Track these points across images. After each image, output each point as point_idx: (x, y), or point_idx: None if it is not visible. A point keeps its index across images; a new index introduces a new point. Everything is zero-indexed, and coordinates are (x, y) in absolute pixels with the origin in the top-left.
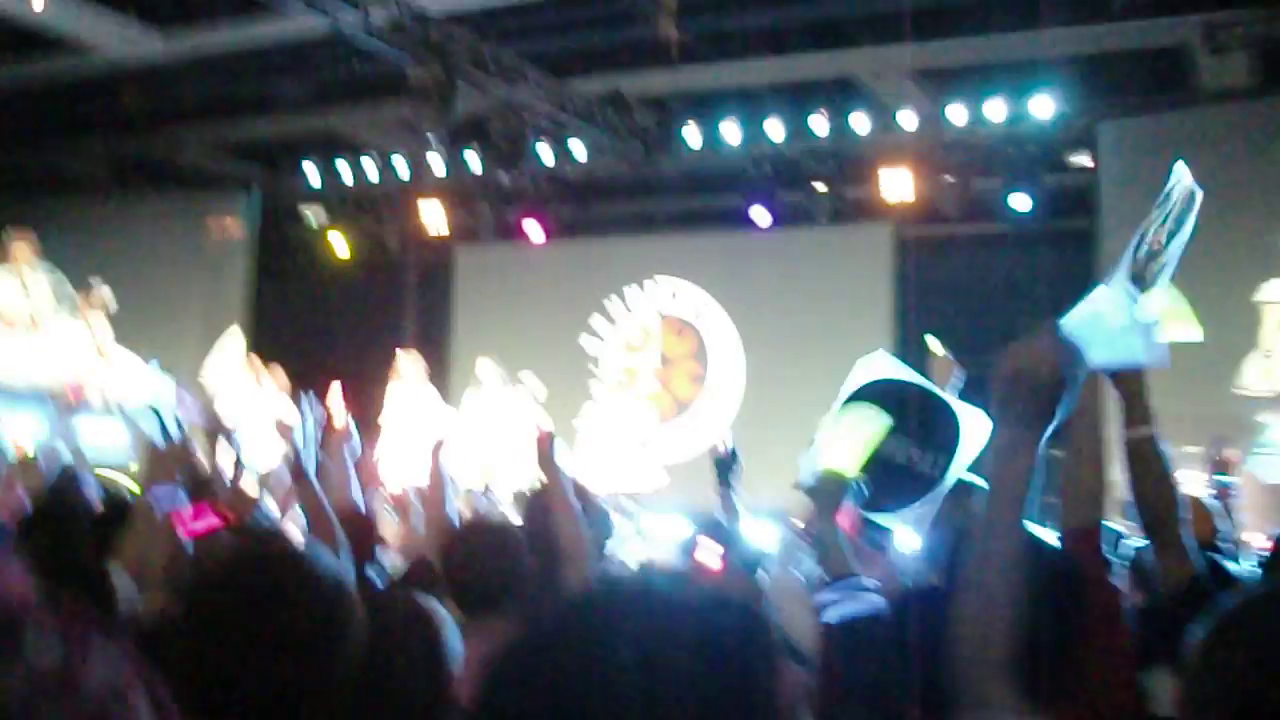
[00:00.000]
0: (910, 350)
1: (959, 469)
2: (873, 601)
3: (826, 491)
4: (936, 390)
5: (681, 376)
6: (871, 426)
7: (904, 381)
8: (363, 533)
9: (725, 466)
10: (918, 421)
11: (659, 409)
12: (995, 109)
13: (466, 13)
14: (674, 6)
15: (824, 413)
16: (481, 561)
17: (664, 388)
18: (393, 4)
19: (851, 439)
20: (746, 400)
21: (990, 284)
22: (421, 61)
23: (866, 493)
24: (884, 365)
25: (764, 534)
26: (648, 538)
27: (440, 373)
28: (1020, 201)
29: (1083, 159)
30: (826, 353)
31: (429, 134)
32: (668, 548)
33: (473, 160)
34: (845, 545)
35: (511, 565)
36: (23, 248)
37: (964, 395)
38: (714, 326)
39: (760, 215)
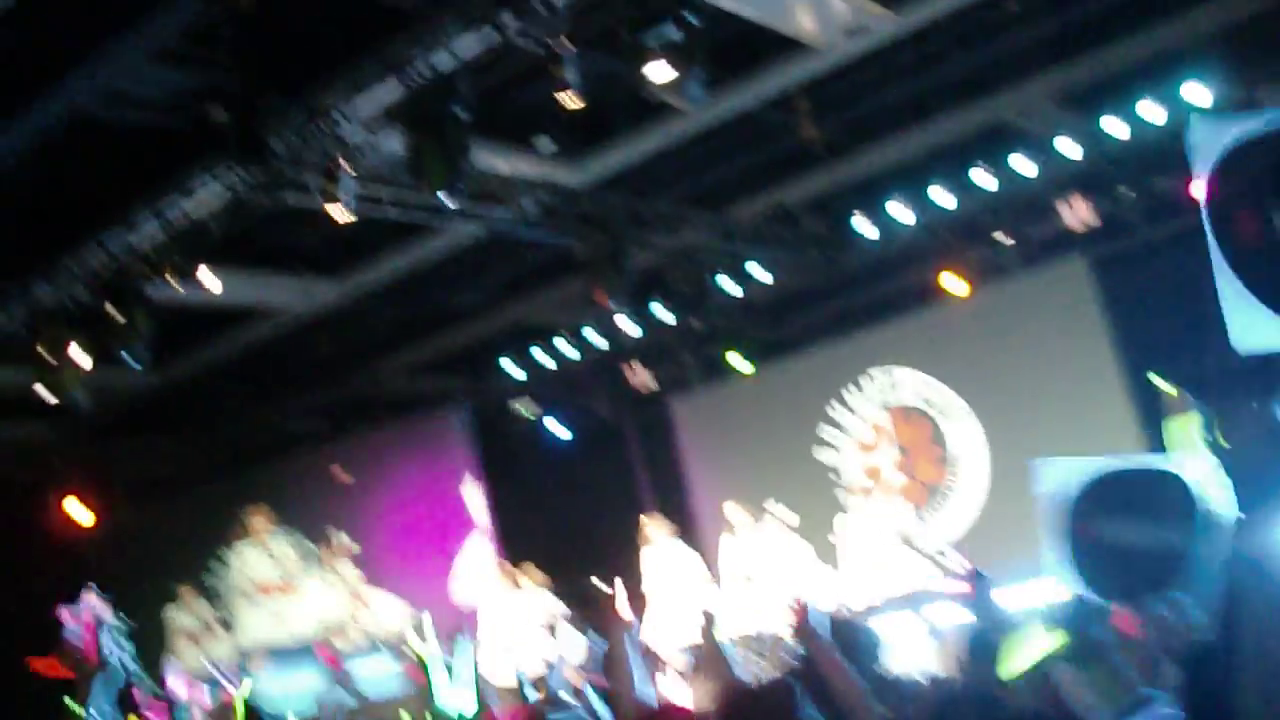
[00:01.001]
0: (1136, 373)
1: (1208, 522)
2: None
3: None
4: (1131, 463)
5: (924, 462)
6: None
7: (1098, 476)
8: None
9: (981, 587)
10: (1140, 502)
11: (911, 500)
12: (1151, 110)
13: (613, 175)
14: (809, 108)
15: (1072, 454)
16: None
17: (910, 478)
18: (540, 190)
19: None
20: (995, 466)
21: (1197, 277)
22: (584, 236)
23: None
24: (1062, 472)
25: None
26: (938, 635)
27: (687, 526)
28: (1202, 189)
29: None
30: (1057, 396)
31: (611, 300)
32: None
33: (661, 311)
34: (1125, 668)
35: None
36: (260, 520)
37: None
38: (941, 403)
39: (953, 283)
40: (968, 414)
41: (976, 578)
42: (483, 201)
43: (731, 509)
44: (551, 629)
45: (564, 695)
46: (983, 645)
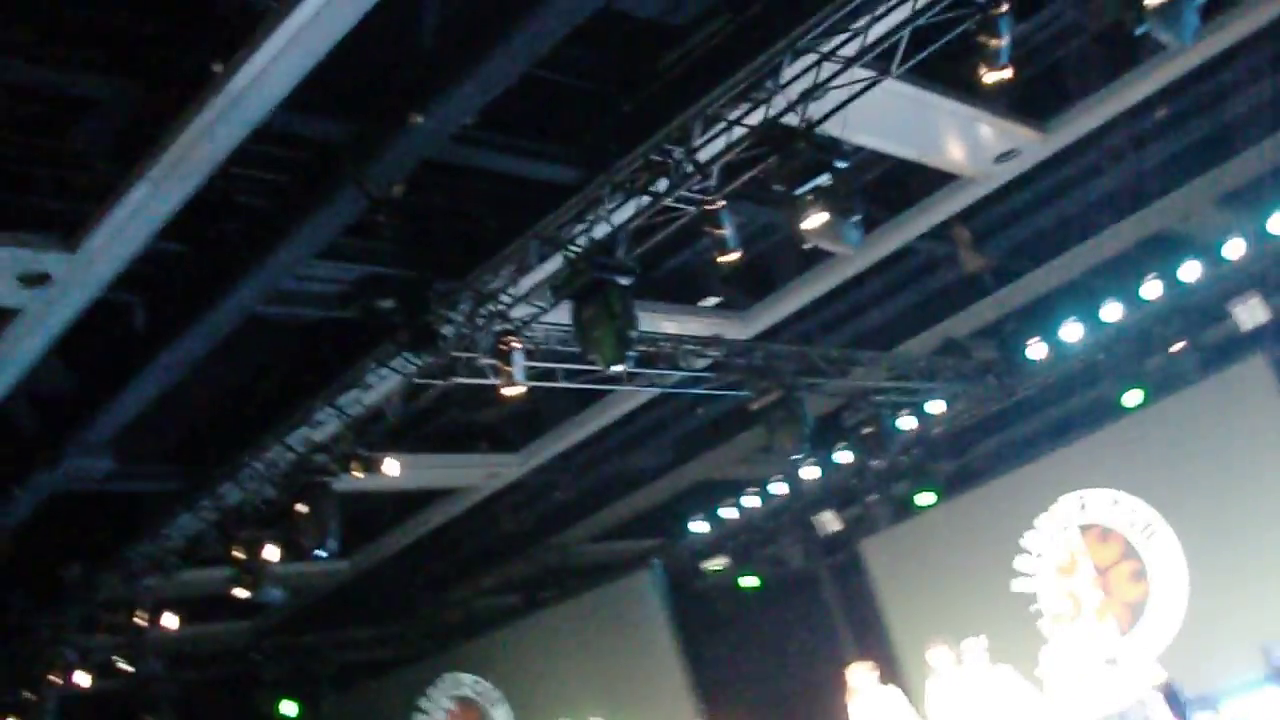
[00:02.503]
0: None
1: None
2: None
3: None
4: None
5: (1121, 579)
6: None
7: None
8: None
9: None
10: None
11: (1115, 619)
12: None
13: (780, 323)
14: (969, 238)
15: (1273, 561)
16: None
17: (1110, 596)
18: (710, 346)
19: None
20: (1193, 577)
21: None
22: (758, 389)
23: None
24: None
25: None
26: None
27: (891, 671)
28: None
29: None
30: (1249, 500)
31: (791, 449)
32: None
33: (843, 456)
34: None
35: None
36: None
37: None
38: (1132, 519)
39: (1131, 396)
40: (1161, 526)
41: (1169, 690)
42: (654, 363)
43: (936, 653)
44: None
45: None
46: None
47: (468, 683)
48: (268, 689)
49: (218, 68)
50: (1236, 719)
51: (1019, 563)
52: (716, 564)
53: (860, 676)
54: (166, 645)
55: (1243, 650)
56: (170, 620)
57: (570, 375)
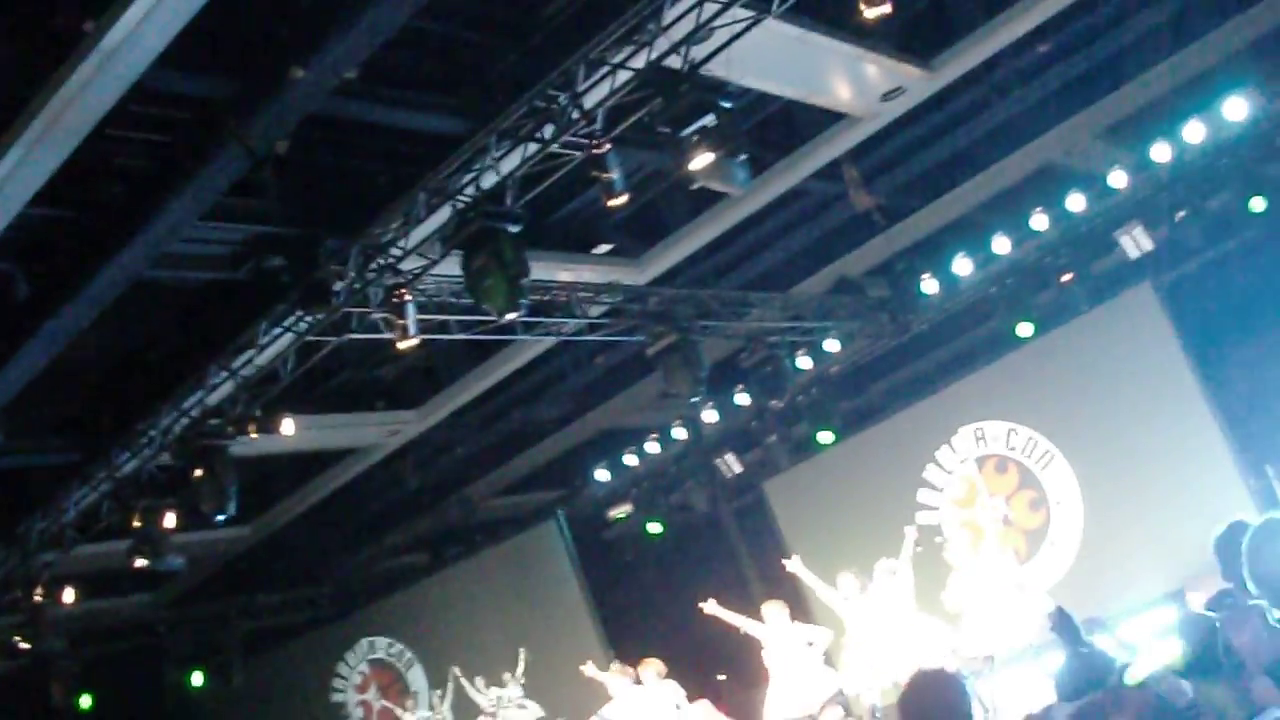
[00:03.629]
0: (1218, 387)
1: None
2: None
3: None
4: None
5: (1021, 508)
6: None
7: None
8: None
9: (1069, 629)
10: None
11: (1015, 548)
12: (1193, 130)
13: (674, 268)
14: (858, 177)
15: (1164, 483)
16: None
17: (1010, 525)
18: (604, 293)
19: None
20: (1088, 503)
21: (1264, 289)
22: (654, 334)
23: None
24: None
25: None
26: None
27: (799, 609)
28: (1258, 203)
29: None
30: (1143, 424)
31: (689, 393)
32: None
33: (742, 398)
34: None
35: None
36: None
37: None
38: (1029, 449)
39: (1023, 328)
40: (1057, 455)
41: (1059, 616)
42: (549, 312)
43: (845, 580)
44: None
45: None
46: (1069, 685)
47: (381, 646)
48: (175, 661)
49: (89, 26)
50: (1131, 638)
51: (921, 496)
52: (621, 512)
53: (773, 613)
54: (69, 621)
55: (1137, 573)
56: (69, 596)
57: (464, 327)
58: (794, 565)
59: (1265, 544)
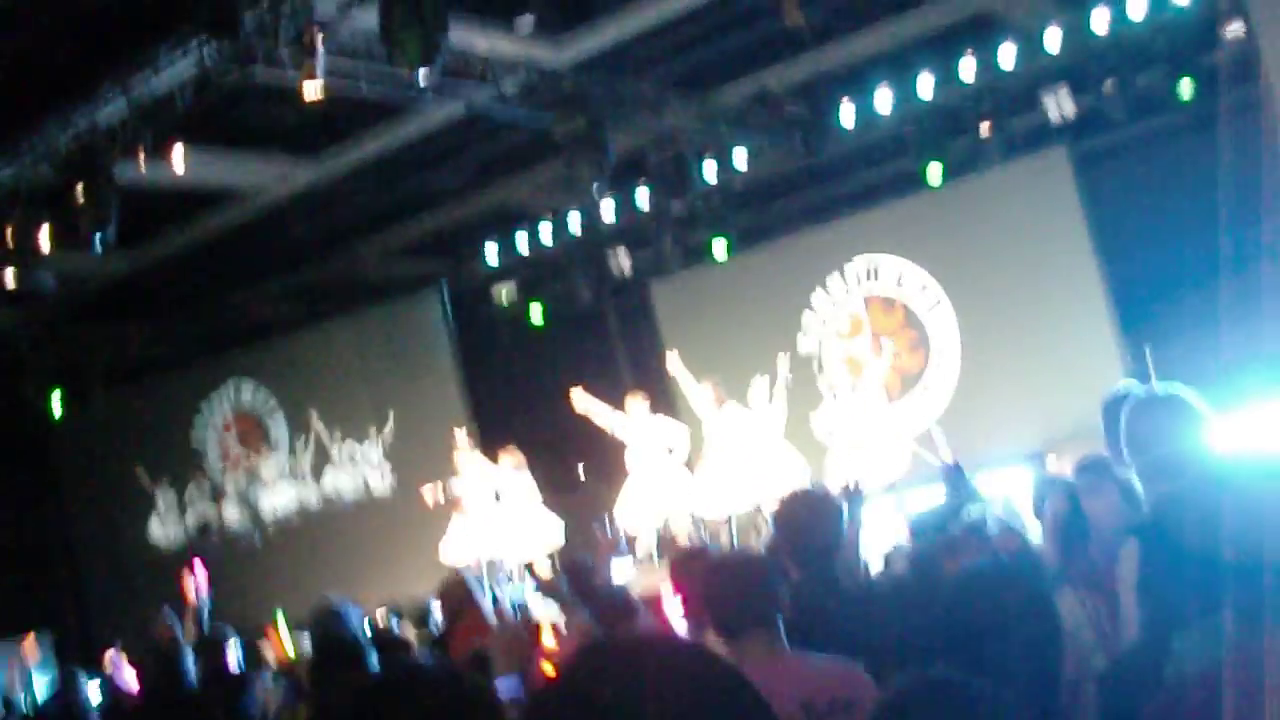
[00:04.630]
0: (1113, 264)
1: None
2: None
3: None
4: None
5: (901, 348)
6: None
7: None
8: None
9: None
10: None
11: (888, 387)
12: (1137, 4)
13: (595, 54)
14: None
15: (1045, 347)
16: (740, 591)
17: (887, 365)
18: (520, 70)
19: None
20: (966, 354)
21: (1178, 174)
22: (564, 117)
23: None
24: None
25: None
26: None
27: (665, 409)
28: (1186, 88)
29: (1238, 29)
30: (1033, 286)
31: (593, 183)
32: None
33: (643, 196)
34: None
35: (763, 592)
36: None
37: None
38: (918, 291)
39: (933, 171)
40: (944, 301)
41: (954, 471)
42: (461, 79)
43: (704, 389)
44: (527, 510)
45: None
46: (922, 528)
47: (247, 391)
48: (35, 380)
49: None
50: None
51: (805, 320)
52: (505, 291)
53: (634, 407)
54: None
55: (1002, 430)
56: None
57: (373, 82)
58: (672, 362)
59: (1145, 414)
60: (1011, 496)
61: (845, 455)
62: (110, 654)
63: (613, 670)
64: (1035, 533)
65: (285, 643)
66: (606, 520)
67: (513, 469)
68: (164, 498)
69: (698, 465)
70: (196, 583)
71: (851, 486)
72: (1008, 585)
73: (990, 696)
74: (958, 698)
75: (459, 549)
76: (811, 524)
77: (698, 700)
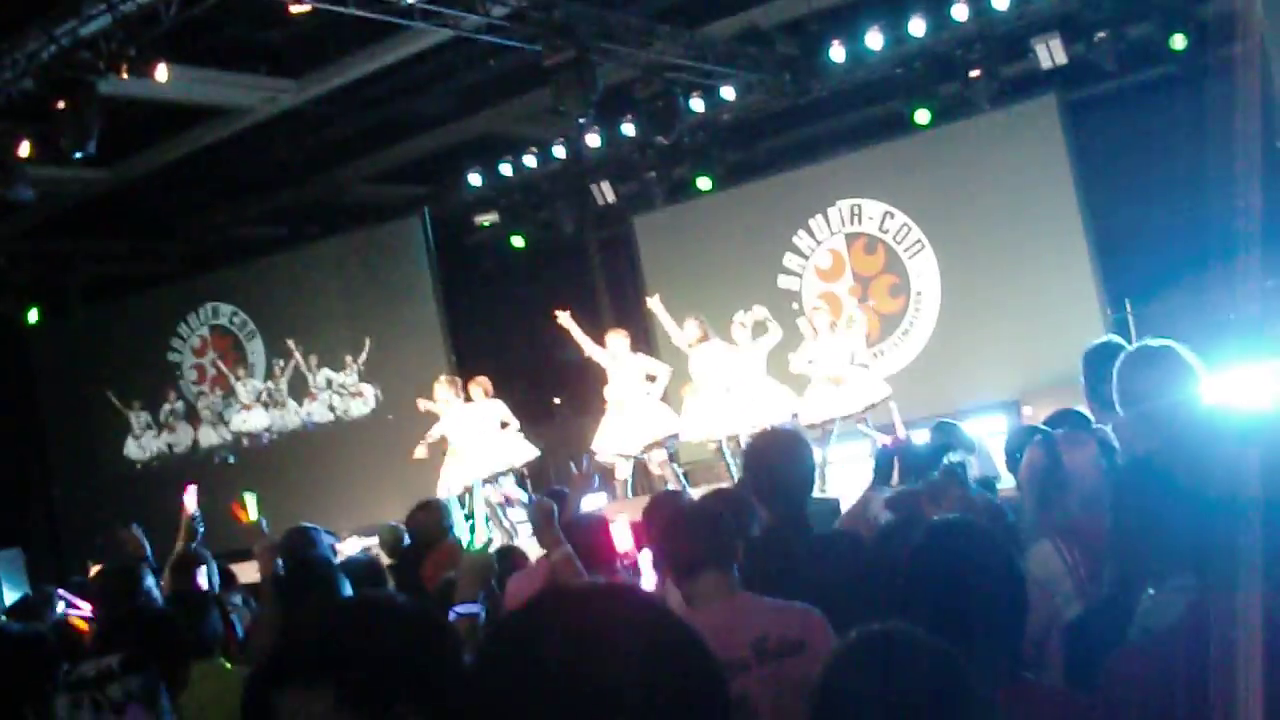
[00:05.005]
0: (1097, 214)
1: None
2: None
3: None
4: None
5: (881, 291)
6: None
7: None
8: None
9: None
10: None
11: (868, 328)
12: None
13: None
14: None
15: (1026, 296)
16: (692, 533)
17: (867, 306)
18: None
19: None
20: (946, 300)
21: (1166, 128)
22: (553, 46)
23: None
24: None
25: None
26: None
27: (644, 343)
28: (1179, 40)
29: None
30: (1017, 234)
31: (579, 115)
32: None
33: (629, 129)
34: None
35: (715, 534)
36: None
37: None
38: (901, 235)
39: (921, 115)
40: (926, 246)
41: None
42: (449, 4)
43: (690, 325)
44: (501, 439)
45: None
46: (885, 463)
47: (225, 313)
48: (13, 294)
49: None
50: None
51: (786, 260)
52: (487, 219)
53: (616, 343)
54: None
55: (978, 377)
56: None
57: (362, 3)
58: (653, 303)
59: (1140, 365)
60: (986, 444)
61: (825, 391)
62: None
63: (562, 620)
64: (1009, 480)
65: (250, 512)
66: (586, 458)
67: (484, 397)
68: (138, 419)
69: (681, 399)
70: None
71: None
72: (974, 541)
73: (943, 653)
74: (911, 652)
75: (450, 484)
76: (781, 464)
77: (645, 655)
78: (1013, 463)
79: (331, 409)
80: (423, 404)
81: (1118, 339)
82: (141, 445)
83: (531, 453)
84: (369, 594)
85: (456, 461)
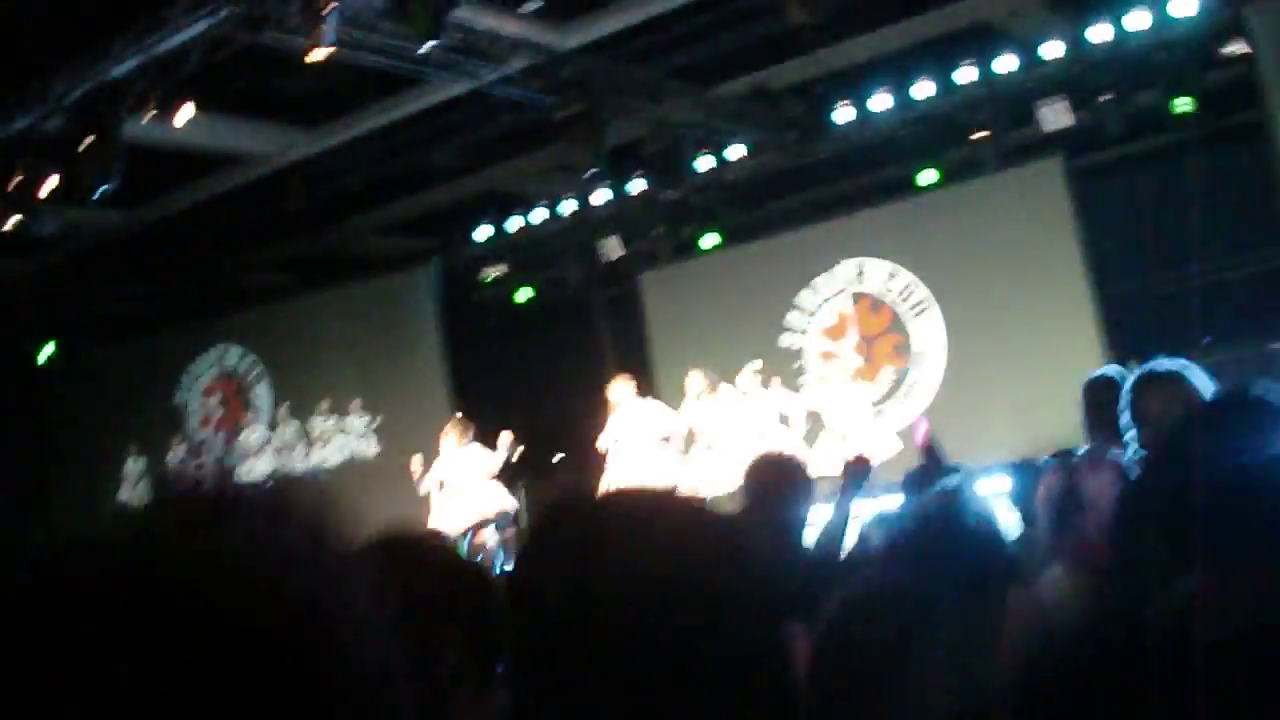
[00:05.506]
0: (1102, 279)
1: None
2: None
3: None
4: None
5: (884, 350)
6: None
7: None
8: None
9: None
10: None
11: (870, 387)
12: (1137, 19)
13: (600, 39)
14: None
15: (1030, 358)
16: None
17: (870, 364)
18: (526, 51)
19: None
20: (951, 362)
21: (1170, 194)
22: (566, 100)
23: None
24: None
25: None
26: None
27: (649, 395)
28: (1183, 105)
29: (1238, 48)
30: (1022, 296)
31: (590, 170)
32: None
33: (637, 185)
34: None
35: None
36: None
37: None
38: (905, 295)
39: (927, 176)
40: (931, 306)
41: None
42: (466, 57)
43: (691, 378)
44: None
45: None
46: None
47: (234, 356)
48: (28, 332)
49: None
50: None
51: (790, 319)
52: (494, 273)
53: (620, 390)
54: None
55: (981, 440)
56: None
57: (379, 52)
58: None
59: (1148, 388)
60: (990, 499)
61: (833, 445)
62: None
63: (615, 521)
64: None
65: None
66: None
67: (455, 444)
68: (136, 463)
69: (689, 453)
70: None
71: (854, 463)
72: (959, 511)
73: (935, 598)
74: (905, 600)
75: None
76: (778, 488)
77: (698, 557)
78: (1018, 503)
79: (337, 455)
80: (416, 462)
81: (1115, 369)
82: (136, 494)
83: (502, 506)
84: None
85: (447, 505)
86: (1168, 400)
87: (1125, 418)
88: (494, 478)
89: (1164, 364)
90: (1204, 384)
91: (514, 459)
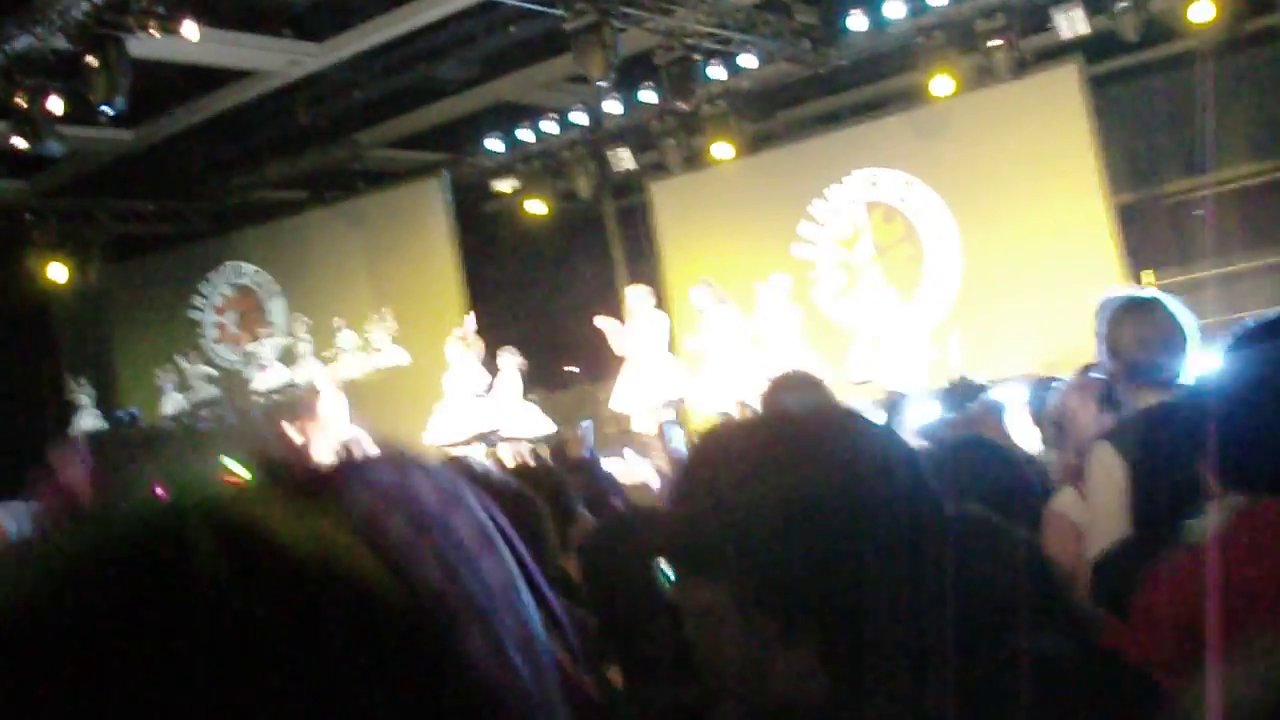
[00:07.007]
0: (1117, 185)
1: None
2: None
3: None
4: None
5: (898, 260)
6: None
7: None
8: None
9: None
10: None
11: (885, 298)
12: None
13: None
14: None
15: (1046, 267)
16: None
17: (884, 276)
18: None
19: None
20: (966, 271)
21: (1185, 103)
22: (575, 11)
23: None
24: None
25: None
26: None
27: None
28: (1200, 12)
29: None
30: (1037, 205)
31: (599, 81)
32: None
33: (648, 96)
34: None
35: None
36: None
37: None
38: (920, 205)
39: (941, 85)
40: (945, 216)
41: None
42: None
43: (697, 290)
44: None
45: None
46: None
47: (248, 272)
48: (38, 250)
49: None
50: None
51: (802, 229)
52: (506, 185)
53: (638, 298)
54: None
55: (994, 351)
56: None
57: None
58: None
59: (1126, 318)
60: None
61: (866, 353)
62: None
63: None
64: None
65: (244, 474)
66: (588, 425)
67: (460, 351)
68: (166, 379)
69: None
70: None
71: (894, 395)
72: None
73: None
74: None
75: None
76: (797, 400)
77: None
78: (1037, 416)
79: (353, 367)
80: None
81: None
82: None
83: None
84: None
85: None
86: (1148, 329)
87: (1102, 348)
88: (486, 393)
89: (1141, 294)
90: (1182, 313)
91: (520, 371)
